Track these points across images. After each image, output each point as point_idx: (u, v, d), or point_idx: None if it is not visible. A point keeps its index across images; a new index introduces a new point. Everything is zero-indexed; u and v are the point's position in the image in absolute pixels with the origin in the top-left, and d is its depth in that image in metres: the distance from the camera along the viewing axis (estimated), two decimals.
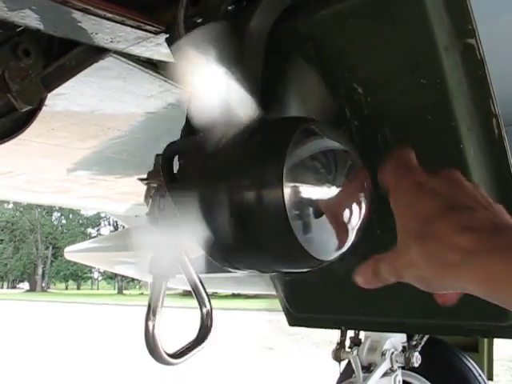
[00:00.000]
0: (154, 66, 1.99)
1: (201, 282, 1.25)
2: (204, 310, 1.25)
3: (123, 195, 4.93)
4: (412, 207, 0.79)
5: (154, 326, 1.10)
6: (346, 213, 0.96)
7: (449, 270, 0.70)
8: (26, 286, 68.71)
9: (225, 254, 0.98)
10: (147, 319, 1.10)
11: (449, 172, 0.87)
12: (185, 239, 1.14)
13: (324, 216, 0.92)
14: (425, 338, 3.80)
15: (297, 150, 0.90)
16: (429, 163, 1.13)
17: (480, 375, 4.19)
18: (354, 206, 0.97)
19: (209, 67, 0.92)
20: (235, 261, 0.98)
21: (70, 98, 2.29)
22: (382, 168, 0.90)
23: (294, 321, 1.76)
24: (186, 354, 1.18)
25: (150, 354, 1.10)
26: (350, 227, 0.97)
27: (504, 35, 1.76)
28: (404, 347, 3.77)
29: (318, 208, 0.91)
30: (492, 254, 0.65)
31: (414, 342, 3.77)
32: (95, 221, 69.26)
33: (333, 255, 0.98)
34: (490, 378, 4.67)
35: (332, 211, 0.92)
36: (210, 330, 1.24)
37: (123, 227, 7.61)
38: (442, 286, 0.73)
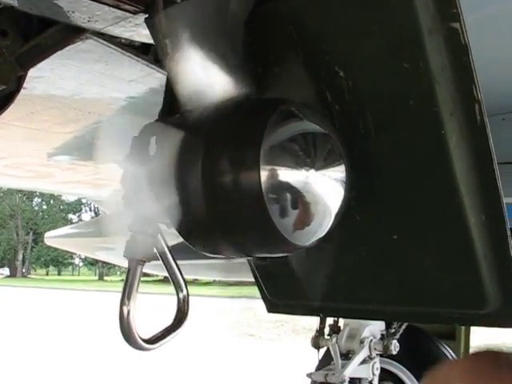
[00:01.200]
0: (135, 49, 1.96)
1: (178, 267, 1.23)
2: (180, 295, 1.23)
3: (104, 181, 4.89)
4: None
5: (128, 311, 1.08)
6: (325, 198, 0.95)
7: None
8: (6, 271, 68.18)
9: (201, 238, 0.96)
10: (122, 304, 1.08)
11: None
12: (161, 223, 1.12)
13: (302, 200, 0.90)
14: (403, 326, 3.82)
15: (274, 132, 0.88)
16: (410, 149, 1.12)
17: None
18: (333, 191, 0.96)
19: (188, 46, 0.90)
20: (211, 245, 0.97)
21: (49, 80, 2.25)
22: None
23: (272, 307, 1.75)
24: (162, 339, 1.16)
25: (125, 339, 1.08)
26: (327, 212, 0.96)
27: (490, 25, 1.75)
28: (382, 335, 3.78)
29: (296, 192, 0.89)
30: None
31: (393, 330, 3.79)
32: (76, 206, 68.75)
33: (310, 240, 0.97)
34: None
35: (310, 196, 0.90)
36: (186, 315, 1.22)
37: (104, 213, 7.56)
38: None
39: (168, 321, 1.23)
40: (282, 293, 1.70)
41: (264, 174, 0.83)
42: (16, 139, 3.38)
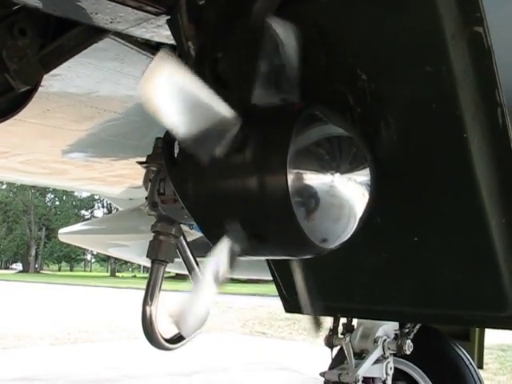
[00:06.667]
0: (151, 47, 1.97)
1: (198, 266, 1.25)
2: None
3: (118, 178, 4.91)
4: None
5: (151, 311, 1.10)
6: (350, 201, 0.95)
7: None
8: (19, 266, 68.72)
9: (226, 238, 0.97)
10: (145, 304, 1.10)
11: None
12: (184, 223, 1.13)
13: (327, 203, 0.91)
14: (417, 326, 3.81)
15: (301, 136, 0.89)
16: (432, 152, 1.12)
17: (471, 363, 4.20)
18: (358, 195, 0.96)
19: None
20: (236, 245, 0.97)
21: (66, 79, 2.27)
22: None
23: (290, 307, 1.76)
24: (183, 339, 1.17)
25: (148, 339, 1.10)
26: (352, 215, 0.96)
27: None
28: (396, 335, 3.77)
29: (322, 195, 0.90)
30: None
31: (407, 330, 3.77)
32: (89, 203, 69.13)
33: (335, 243, 0.98)
34: (480, 366, 4.68)
35: (335, 199, 0.90)
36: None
37: (117, 210, 7.60)
38: None
39: None
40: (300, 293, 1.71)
41: (291, 178, 0.84)
42: (31, 136, 3.41)
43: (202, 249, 1.48)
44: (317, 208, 0.89)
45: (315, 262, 1.32)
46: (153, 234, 1.13)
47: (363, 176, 1.00)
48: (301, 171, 0.87)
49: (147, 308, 1.10)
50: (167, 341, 1.14)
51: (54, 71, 1.99)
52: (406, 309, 1.50)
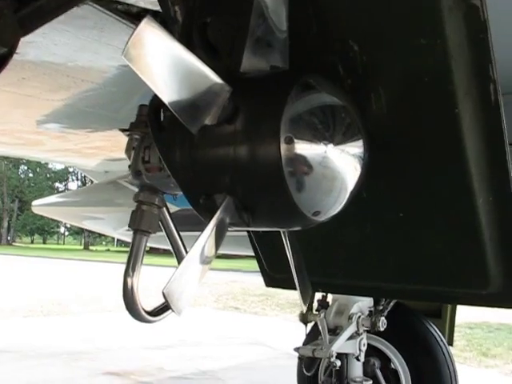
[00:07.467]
0: (131, 16, 1.92)
1: (181, 240, 1.22)
2: None
3: (94, 150, 4.85)
4: None
5: (132, 283, 1.07)
6: (342, 173, 0.93)
7: None
8: None
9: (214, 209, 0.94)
10: (126, 275, 1.07)
11: None
12: (171, 192, 1.10)
13: (320, 175, 0.89)
14: (391, 304, 3.84)
15: (294, 105, 0.86)
16: (422, 127, 1.10)
17: (441, 340, 4.27)
18: (350, 167, 0.94)
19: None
20: None
21: (42, 46, 2.20)
22: None
23: (270, 282, 1.75)
24: (164, 311, 1.15)
25: (128, 311, 1.07)
26: (344, 188, 0.95)
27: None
28: (370, 311, 3.80)
29: (315, 166, 0.87)
30: None
31: (381, 307, 3.81)
32: (63, 175, 68.36)
33: (326, 215, 0.96)
34: (451, 343, 4.76)
35: (328, 171, 0.88)
36: None
37: (92, 182, 7.53)
38: None
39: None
40: (282, 267, 1.70)
41: (283, 147, 0.82)
42: (5, 106, 3.34)
43: (183, 222, 1.46)
44: (309, 179, 0.87)
45: (298, 237, 1.30)
46: (135, 204, 1.10)
47: (356, 148, 0.98)
48: (294, 140, 0.84)
49: (128, 279, 1.07)
50: (148, 313, 1.12)
51: (29, 37, 1.93)
52: (388, 285, 1.50)
